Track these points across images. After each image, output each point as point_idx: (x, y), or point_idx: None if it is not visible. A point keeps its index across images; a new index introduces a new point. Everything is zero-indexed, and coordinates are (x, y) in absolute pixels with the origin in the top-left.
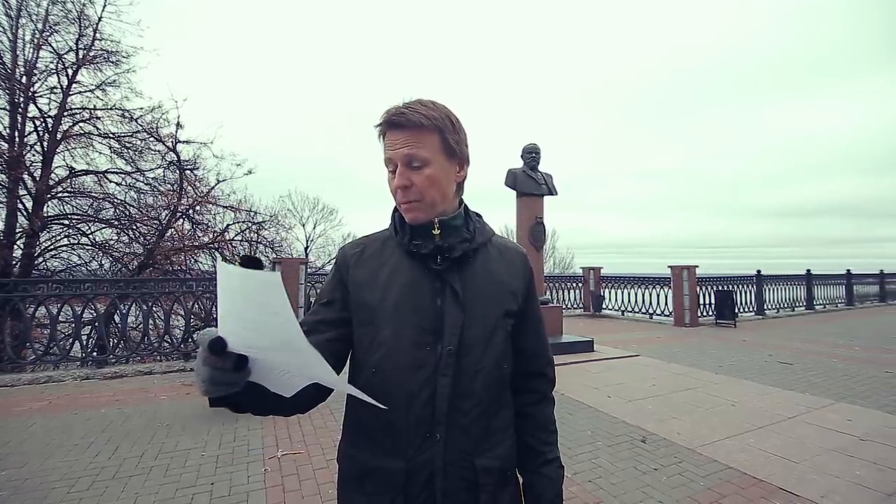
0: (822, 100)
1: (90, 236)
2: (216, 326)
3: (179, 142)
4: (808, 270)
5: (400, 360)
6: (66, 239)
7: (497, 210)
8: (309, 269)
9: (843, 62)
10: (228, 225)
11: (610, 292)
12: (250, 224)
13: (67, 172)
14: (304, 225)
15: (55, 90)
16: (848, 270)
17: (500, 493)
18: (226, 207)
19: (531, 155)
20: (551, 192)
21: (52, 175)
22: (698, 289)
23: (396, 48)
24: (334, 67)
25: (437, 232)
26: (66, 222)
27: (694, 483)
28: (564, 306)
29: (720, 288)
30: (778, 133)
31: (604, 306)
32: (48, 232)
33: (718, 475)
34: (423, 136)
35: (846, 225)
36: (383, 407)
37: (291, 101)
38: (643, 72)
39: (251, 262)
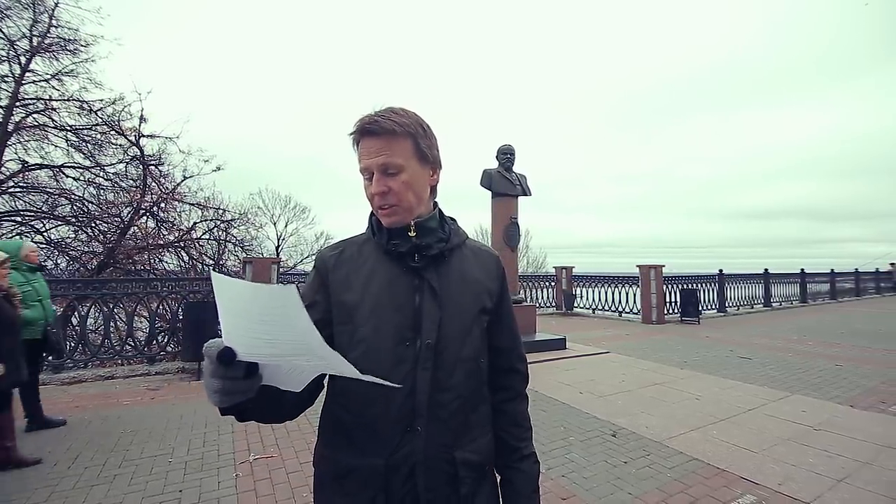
0: (795, 109)
1: (45, 234)
2: (220, 336)
3: (143, 136)
4: (766, 270)
5: (380, 356)
6: (18, 237)
7: (473, 210)
8: (281, 269)
9: (817, 76)
10: (195, 223)
11: (581, 291)
12: (218, 222)
13: (20, 166)
14: (275, 223)
15: (6, 79)
16: (802, 269)
17: (479, 488)
18: (193, 205)
19: (506, 156)
20: (525, 192)
21: (3, 169)
22: (664, 287)
23: (385, 46)
24: (318, 63)
25: (413, 234)
26: (19, 219)
27: (661, 475)
28: (537, 305)
29: (685, 286)
30: (752, 139)
31: (575, 305)
32: None
33: (684, 466)
34: (396, 143)
35: (802, 227)
36: (397, 385)
37: (269, 96)
38: (629, 79)
39: None
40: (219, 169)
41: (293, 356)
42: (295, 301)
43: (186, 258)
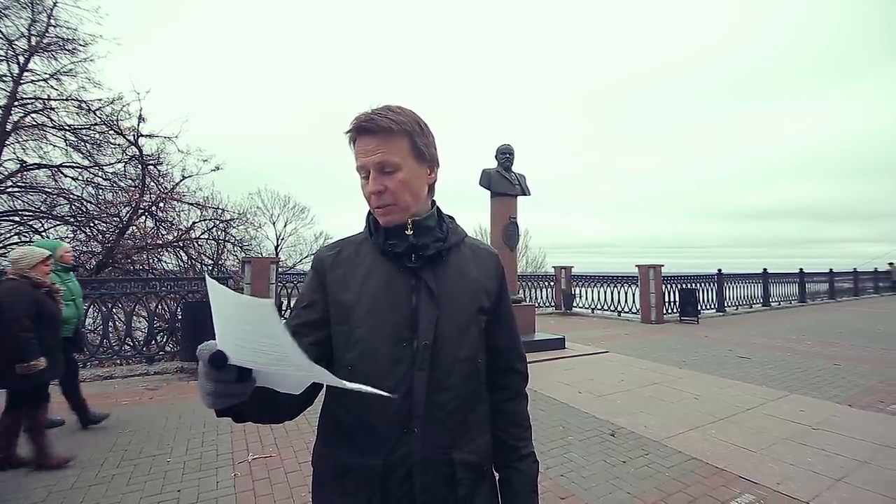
0: (795, 109)
1: (43, 234)
2: (214, 340)
3: (142, 135)
4: (765, 269)
5: (377, 356)
6: (16, 237)
7: (473, 210)
8: (280, 268)
9: (817, 76)
10: (194, 223)
11: (580, 291)
12: (217, 222)
13: (18, 166)
14: (274, 223)
15: (5, 78)
16: (801, 269)
17: (477, 489)
18: (191, 204)
19: (505, 156)
20: (524, 192)
21: (2, 169)
22: (663, 287)
23: (384, 45)
24: (317, 63)
25: (410, 232)
26: (17, 219)
27: (660, 474)
28: (537, 305)
29: (684, 286)
30: (752, 139)
31: (574, 304)
32: None
33: (683, 466)
34: (393, 141)
35: (801, 227)
36: (393, 396)
37: (269, 96)
38: (628, 79)
39: None
40: (217, 169)
41: (277, 366)
42: (272, 316)
43: (185, 258)
